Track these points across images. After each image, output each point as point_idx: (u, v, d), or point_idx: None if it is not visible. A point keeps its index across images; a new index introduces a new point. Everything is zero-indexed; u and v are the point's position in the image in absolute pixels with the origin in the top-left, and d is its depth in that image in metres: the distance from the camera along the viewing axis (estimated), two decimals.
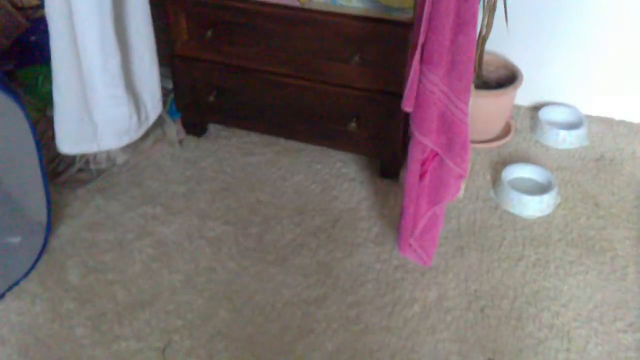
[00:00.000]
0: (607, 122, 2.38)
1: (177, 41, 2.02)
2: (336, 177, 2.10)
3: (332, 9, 1.84)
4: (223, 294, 1.69)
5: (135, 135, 1.78)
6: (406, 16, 1.77)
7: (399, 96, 1.84)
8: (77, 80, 1.64)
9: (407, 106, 1.40)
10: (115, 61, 1.63)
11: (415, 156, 1.49)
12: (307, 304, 1.66)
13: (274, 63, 1.96)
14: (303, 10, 1.85)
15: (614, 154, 2.22)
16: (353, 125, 1.95)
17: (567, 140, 2.24)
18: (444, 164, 1.49)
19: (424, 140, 1.44)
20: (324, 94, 1.95)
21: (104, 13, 1.55)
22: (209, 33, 1.95)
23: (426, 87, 1.36)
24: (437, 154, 1.49)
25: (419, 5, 1.30)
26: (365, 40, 1.82)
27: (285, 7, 1.86)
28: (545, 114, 2.32)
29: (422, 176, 1.53)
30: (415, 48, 1.34)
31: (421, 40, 1.30)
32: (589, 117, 2.37)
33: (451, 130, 1.43)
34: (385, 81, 1.86)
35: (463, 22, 1.29)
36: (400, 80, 1.83)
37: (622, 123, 2.37)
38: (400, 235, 1.67)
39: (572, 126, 2.28)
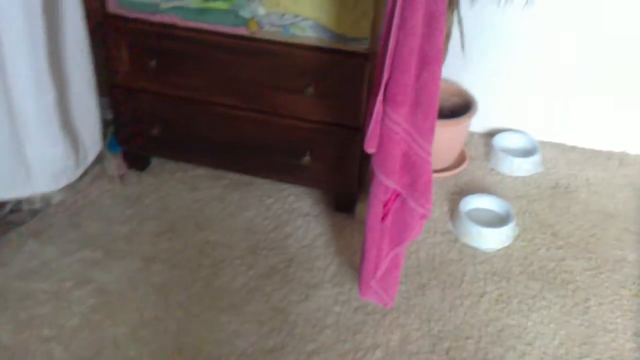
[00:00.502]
0: (560, 148, 2.37)
1: (118, 71, 1.89)
2: (289, 212, 2.00)
3: (283, 38, 1.75)
4: (172, 346, 1.56)
5: (73, 176, 1.64)
6: (362, 46, 1.70)
7: (355, 129, 1.77)
8: (7, 117, 1.49)
9: (370, 147, 1.32)
10: (49, 97, 1.49)
11: (377, 197, 1.41)
12: (264, 355, 1.55)
13: (222, 94, 1.85)
14: (253, 40, 1.75)
15: (569, 181, 2.20)
16: (307, 158, 1.86)
17: (522, 167, 2.21)
18: (407, 204, 1.42)
19: (387, 182, 1.36)
20: (276, 126, 1.85)
21: (37, 45, 1.41)
22: (153, 63, 1.83)
23: (389, 127, 1.28)
24: (399, 194, 1.42)
25: (381, 43, 1.23)
26: (320, 71, 1.74)
27: (234, 36, 1.76)
28: (499, 141, 2.29)
29: (384, 217, 1.45)
30: (378, 87, 1.27)
31: (385, 79, 1.22)
32: (542, 142, 2.35)
33: (414, 170, 1.36)
34: (341, 113, 1.78)
35: (428, 59, 1.22)
36: (356, 113, 1.76)
37: (574, 149, 2.37)
38: (361, 278, 1.59)
39: (526, 153, 2.26)
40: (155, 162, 2.16)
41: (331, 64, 1.72)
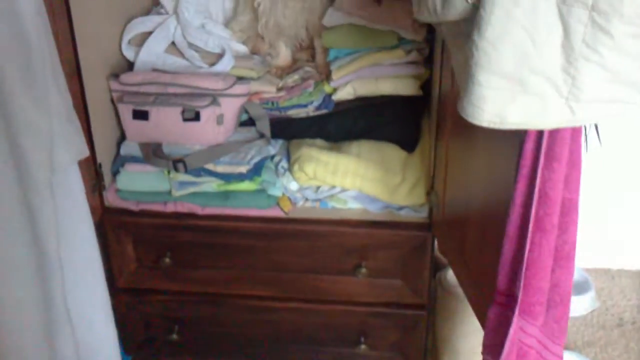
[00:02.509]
0: (608, 274, 2.16)
1: (122, 272, 1.58)
2: None
3: (323, 214, 1.50)
4: None
5: None
6: (419, 215, 1.46)
7: (420, 306, 1.51)
8: None
9: None
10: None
11: None
12: None
13: (253, 285, 1.57)
14: (288, 220, 1.49)
15: (633, 315, 1.98)
16: (363, 347, 1.56)
17: (578, 307, 1.98)
18: None
19: None
20: (322, 314, 1.57)
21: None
22: (167, 259, 1.54)
23: (523, 342, 1.02)
24: None
25: (506, 247, 0.98)
26: (371, 248, 1.49)
27: (264, 219, 1.50)
28: None
29: None
30: (502, 295, 1.02)
31: (520, 293, 0.97)
32: (586, 270, 2.14)
33: None
34: (401, 292, 1.51)
35: (562, 254, 0.99)
36: (420, 290, 1.50)
37: (622, 273, 2.17)
38: None
39: (579, 289, 2.04)
40: None
41: (384, 239, 1.47)
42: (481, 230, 1.14)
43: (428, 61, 1.57)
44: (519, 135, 0.92)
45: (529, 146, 0.90)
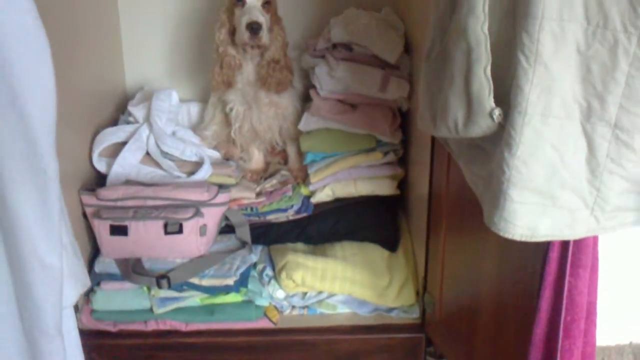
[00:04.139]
0: None
1: None
2: None
3: (313, 322, 1.46)
4: None
5: None
6: (410, 316, 1.45)
7: None
8: None
9: None
10: None
11: None
12: None
13: None
14: (277, 331, 1.44)
15: None
16: None
17: None
18: None
19: None
20: None
21: None
22: None
23: None
24: None
25: (532, 357, 0.98)
26: (362, 354, 1.45)
27: (254, 331, 1.44)
28: None
29: None
30: None
31: None
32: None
33: None
34: None
35: (585, 357, 0.99)
36: None
37: None
38: None
39: None
40: None
41: (376, 343, 1.44)
42: (496, 331, 1.13)
43: (402, 161, 1.61)
44: (539, 243, 0.94)
45: (554, 255, 0.92)
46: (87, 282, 0.96)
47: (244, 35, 1.45)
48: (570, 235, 0.86)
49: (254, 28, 1.43)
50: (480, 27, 0.81)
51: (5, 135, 0.77)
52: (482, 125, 0.85)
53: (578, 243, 0.90)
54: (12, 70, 0.75)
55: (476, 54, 0.81)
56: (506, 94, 0.82)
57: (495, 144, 0.86)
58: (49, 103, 0.77)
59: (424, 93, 0.99)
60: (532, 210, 0.83)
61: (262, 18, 1.45)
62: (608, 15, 0.75)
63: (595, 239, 0.92)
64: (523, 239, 0.85)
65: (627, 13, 0.74)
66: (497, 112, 0.81)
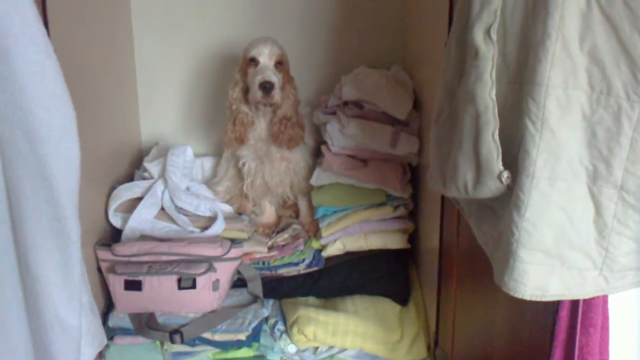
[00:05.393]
0: None
1: None
2: None
3: None
4: None
5: None
6: None
7: None
8: None
9: None
10: None
11: None
12: None
13: None
14: None
15: None
16: None
17: None
18: None
19: None
20: None
21: None
22: None
23: None
24: None
25: None
26: None
27: None
28: None
29: None
30: None
31: None
32: None
33: None
34: None
35: None
36: None
37: None
38: None
39: None
40: None
41: None
42: None
43: (412, 215, 1.63)
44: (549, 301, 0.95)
45: (564, 314, 0.93)
46: (103, 340, 0.97)
47: (256, 94, 1.49)
48: (580, 294, 0.87)
49: (266, 87, 1.48)
50: (488, 93, 0.84)
51: (29, 198, 0.80)
52: (491, 187, 0.87)
53: (588, 302, 0.91)
54: (38, 135, 0.78)
55: (484, 119, 0.84)
56: (514, 156, 0.84)
57: (505, 205, 0.88)
58: (73, 168, 0.81)
59: (433, 154, 1.01)
60: (541, 271, 0.85)
61: (275, 78, 1.50)
62: (611, 83, 0.78)
63: (605, 297, 0.93)
64: (533, 299, 0.86)
65: (629, 81, 0.77)
66: (505, 174, 0.84)
